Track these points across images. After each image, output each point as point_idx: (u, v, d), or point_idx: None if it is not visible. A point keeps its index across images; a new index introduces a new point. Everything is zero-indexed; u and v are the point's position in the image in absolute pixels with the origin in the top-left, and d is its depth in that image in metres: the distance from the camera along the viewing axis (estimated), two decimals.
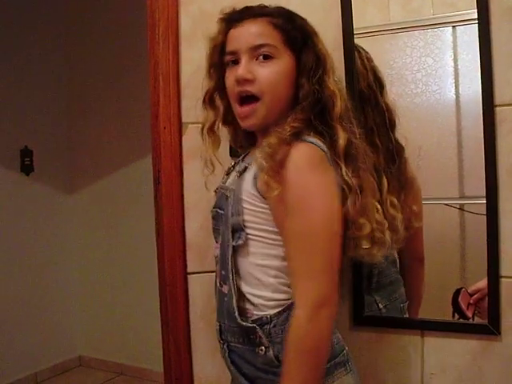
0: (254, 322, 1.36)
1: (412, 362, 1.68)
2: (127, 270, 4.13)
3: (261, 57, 1.37)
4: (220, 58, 1.47)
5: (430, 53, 1.66)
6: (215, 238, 1.51)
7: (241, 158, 1.54)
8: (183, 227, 1.75)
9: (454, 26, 1.65)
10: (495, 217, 1.55)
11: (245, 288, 1.39)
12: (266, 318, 1.35)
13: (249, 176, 1.38)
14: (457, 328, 1.63)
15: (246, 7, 1.44)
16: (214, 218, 1.51)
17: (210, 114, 1.53)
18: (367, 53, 1.66)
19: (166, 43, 1.72)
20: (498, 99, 1.52)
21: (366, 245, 1.36)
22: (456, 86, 1.65)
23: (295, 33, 1.39)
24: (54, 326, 4.19)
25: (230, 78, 1.42)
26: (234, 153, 1.67)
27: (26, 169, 4.02)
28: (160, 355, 1.83)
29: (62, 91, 4.25)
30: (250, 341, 1.37)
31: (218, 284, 1.46)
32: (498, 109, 1.52)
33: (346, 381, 1.38)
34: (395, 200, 1.57)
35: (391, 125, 1.63)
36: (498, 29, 1.53)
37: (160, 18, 1.72)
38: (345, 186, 1.33)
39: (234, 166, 1.54)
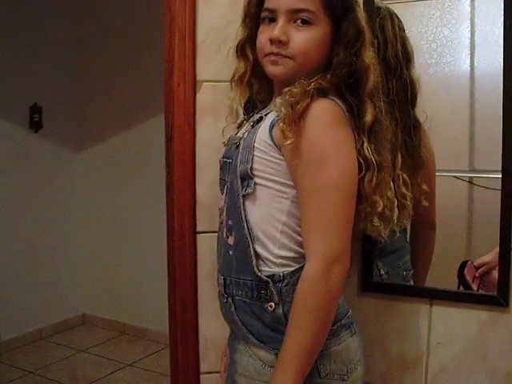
0: (267, 277, 1.35)
1: (419, 330, 1.69)
2: (133, 229, 4.17)
3: (299, 20, 1.35)
4: (257, 10, 1.44)
5: (446, 23, 1.63)
6: (221, 189, 1.51)
7: (256, 111, 1.53)
8: (194, 185, 1.74)
9: None
10: (510, 193, 1.54)
11: (258, 246, 1.37)
12: (279, 275, 1.34)
13: (264, 125, 1.37)
14: (466, 298, 1.63)
15: None
16: (221, 168, 1.50)
17: (241, 64, 1.51)
18: (400, 22, 1.63)
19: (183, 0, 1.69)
20: None
21: (376, 222, 1.39)
22: (471, 58, 1.63)
23: (337, 1, 1.36)
24: (59, 283, 4.23)
25: (264, 34, 1.39)
26: (247, 110, 1.65)
27: (35, 125, 4.02)
28: (163, 316, 1.83)
29: (73, 49, 4.22)
30: (259, 295, 1.36)
31: (225, 235, 1.44)
32: None
33: (351, 343, 1.40)
34: (407, 178, 1.55)
35: (412, 100, 1.61)
36: None
37: None
38: (363, 162, 1.33)
39: (246, 120, 1.53)
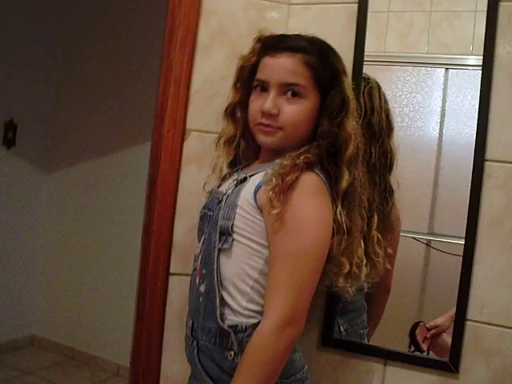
0: (229, 327, 1.41)
1: None
2: (93, 257, 4.14)
3: (289, 93, 1.43)
4: (249, 76, 1.52)
5: (420, 90, 1.73)
6: (198, 236, 1.56)
7: (239, 167, 1.60)
8: (172, 229, 1.80)
9: (446, 69, 1.73)
10: (471, 262, 1.63)
11: (222, 291, 1.43)
12: (242, 326, 1.40)
13: (249, 186, 1.43)
14: (419, 362, 1.70)
15: (284, 37, 1.50)
16: (201, 218, 1.56)
17: (230, 126, 1.59)
18: (384, 95, 1.72)
19: (183, 50, 1.76)
20: (488, 154, 1.60)
21: (341, 283, 1.45)
22: (441, 126, 1.72)
23: (325, 73, 1.44)
24: (11, 301, 4.16)
25: (256, 103, 1.48)
26: (231, 164, 1.72)
27: (8, 142, 4.01)
28: (113, 345, 1.85)
29: (54, 70, 4.22)
30: (221, 343, 1.42)
31: (197, 282, 1.50)
32: (487, 163, 1.61)
33: None
34: (381, 237, 1.63)
35: (390, 167, 1.69)
36: (500, 85, 1.61)
37: (180, 24, 1.76)
38: (334, 225, 1.40)
39: (230, 174, 1.60)
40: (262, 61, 1.48)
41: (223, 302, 1.43)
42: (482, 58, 1.62)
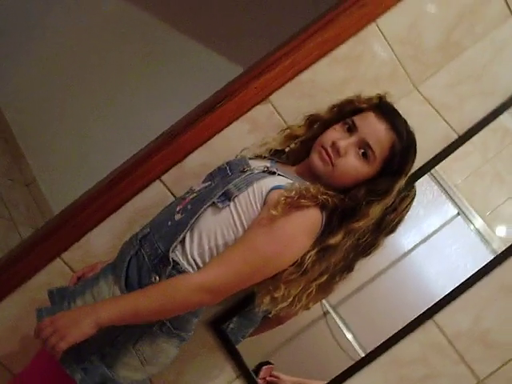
0: (173, 260, 1.53)
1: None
2: None
3: (362, 151, 1.57)
4: (349, 112, 1.65)
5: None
6: (205, 179, 1.69)
7: (276, 159, 1.73)
8: (189, 152, 1.95)
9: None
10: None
11: (188, 233, 1.55)
12: (180, 268, 1.53)
13: (271, 181, 1.56)
14: None
15: (396, 113, 1.63)
16: (219, 168, 1.68)
17: (303, 129, 1.73)
18: (411, 207, 1.82)
19: None
20: None
21: (265, 299, 1.58)
22: None
23: (395, 164, 1.58)
24: None
25: (334, 133, 1.61)
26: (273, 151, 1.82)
27: None
28: None
29: None
30: (156, 265, 1.55)
31: (177, 209, 1.61)
32: None
33: (172, 352, 1.64)
34: (314, 293, 1.68)
35: (365, 256, 1.74)
36: None
37: None
38: (299, 260, 1.54)
39: (264, 158, 1.73)
40: (368, 113, 1.62)
41: (183, 241, 1.55)
42: None
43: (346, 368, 1.89)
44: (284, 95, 1.95)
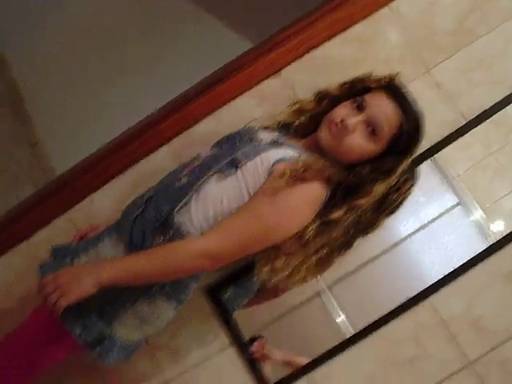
0: (177, 222, 1.55)
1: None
2: None
3: (371, 129, 1.58)
4: (360, 89, 1.66)
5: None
6: (214, 145, 1.71)
7: (283, 132, 1.73)
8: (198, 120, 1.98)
9: None
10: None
11: (193, 198, 1.57)
12: (183, 231, 1.55)
13: (278, 152, 1.57)
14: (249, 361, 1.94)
15: (404, 93, 1.63)
16: (227, 137, 1.70)
17: (312, 103, 1.74)
18: (411, 192, 1.77)
19: None
20: None
21: (264, 268, 1.61)
22: None
23: (402, 144, 1.59)
24: None
25: (343, 110, 1.61)
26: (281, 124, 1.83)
27: None
28: None
29: None
30: (160, 226, 1.57)
31: (183, 172, 1.64)
32: None
33: (169, 314, 1.67)
34: (313, 267, 1.70)
35: (363, 235, 1.75)
36: None
37: None
38: (300, 233, 1.57)
39: (271, 130, 1.74)
40: (378, 92, 1.63)
41: (188, 204, 1.57)
42: None
43: (336, 344, 1.91)
44: (295, 70, 1.96)
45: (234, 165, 1.57)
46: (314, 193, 1.55)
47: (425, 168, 1.91)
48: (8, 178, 3.19)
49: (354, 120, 1.58)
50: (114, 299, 1.60)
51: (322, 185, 1.54)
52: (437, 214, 1.94)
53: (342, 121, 1.58)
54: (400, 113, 1.58)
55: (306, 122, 1.77)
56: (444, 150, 1.94)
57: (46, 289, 1.47)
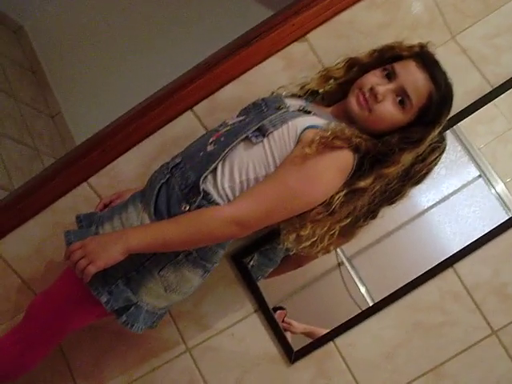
0: (204, 190, 1.55)
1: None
2: None
3: (400, 98, 1.57)
4: (389, 57, 1.65)
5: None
6: (240, 112, 1.70)
7: (311, 99, 1.73)
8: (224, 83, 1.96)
9: None
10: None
11: (219, 165, 1.56)
12: (210, 198, 1.54)
13: (308, 120, 1.56)
14: (275, 329, 1.94)
15: (437, 64, 1.62)
16: (254, 103, 1.68)
17: (341, 70, 1.72)
18: (439, 159, 1.78)
19: None
20: None
21: (290, 239, 1.61)
22: None
23: (431, 115, 1.59)
24: None
25: (373, 78, 1.60)
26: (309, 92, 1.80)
27: None
28: None
29: None
30: (187, 194, 1.56)
31: (209, 140, 1.62)
32: None
33: (196, 281, 1.67)
34: (336, 233, 1.68)
35: (390, 204, 1.77)
36: None
37: None
38: (327, 201, 1.57)
39: (299, 97, 1.73)
40: (408, 61, 1.61)
41: (214, 172, 1.57)
42: None
43: (360, 311, 1.91)
44: (321, 34, 1.94)
45: (262, 133, 1.56)
46: (342, 161, 1.54)
47: (446, 139, 1.87)
48: (29, 151, 3.20)
49: (384, 88, 1.58)
50: (140, 266, 1.60)
51: (350, 153, 1.54)
52: (458, 186, 1.93)
53: (371, 88, 1.58)
54: (430, 83, 1.57)
55: (334, 90, 1.75)
56: (466, 123, 1.91)
57: (74, 256, 1.49)
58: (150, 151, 1.97)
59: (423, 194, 1.91)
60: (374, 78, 1.61)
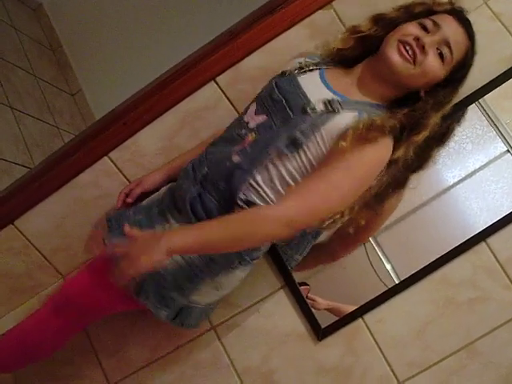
0: (242, 201, 1.52)
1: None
2: None
3: (439, 51, 1.49)
4: (423, 11, 1.57)
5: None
6: (258, 109, 1.58)
7: (323, 67, 1.62)
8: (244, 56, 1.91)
9: None
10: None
11: (257, 177, 1.51)
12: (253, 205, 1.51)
13: (340, 121, 1.47)
14: (303, 307, 1.90)
15: (468, 21, 1.56)
16: (271, 96, 1.56)
17: (369, 24, 1.60)
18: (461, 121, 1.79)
19: None
20: None
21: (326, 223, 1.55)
22: None
23: (460, 72, 1.55)
24: None
25: (415, 28, 1.50)
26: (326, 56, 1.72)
27: None
28: None
29: None
30: (225, 205, 1.53)
31: (236, 148, 1.55)
32: None
33: (243, 274, 1.69)
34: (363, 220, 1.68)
35: (418, 169, 1.75)
36: None
37: None
38: None
39: (309, 69, 1.61)
40: (445, 15, 1.54)
41: (250, 182, 1.52)
42: None
43: (389, 287, 1.86)
44: (347, 1, 1.86)
45: (295, 146, 1.48)
46: (383, 153, 1.48)
47: (472, 115, 1.84)
48: (50, 128, 3.20)
49: (430, 39, 1.48)
50: (194, 276, 1.59)
51: (387, 140, 1.47)
52: (485, 162, 1.86)
53: (417, 39, 1.48)
54: (468, 39, 1.53)
55: (355, 46, 1.64)
56: (493, 97, 1.83)
57: (117, 255, 1.38)
58: (172, 124, 1.92)
59: (449, 170, 1.85)
60: (414, 28, 1.51)
